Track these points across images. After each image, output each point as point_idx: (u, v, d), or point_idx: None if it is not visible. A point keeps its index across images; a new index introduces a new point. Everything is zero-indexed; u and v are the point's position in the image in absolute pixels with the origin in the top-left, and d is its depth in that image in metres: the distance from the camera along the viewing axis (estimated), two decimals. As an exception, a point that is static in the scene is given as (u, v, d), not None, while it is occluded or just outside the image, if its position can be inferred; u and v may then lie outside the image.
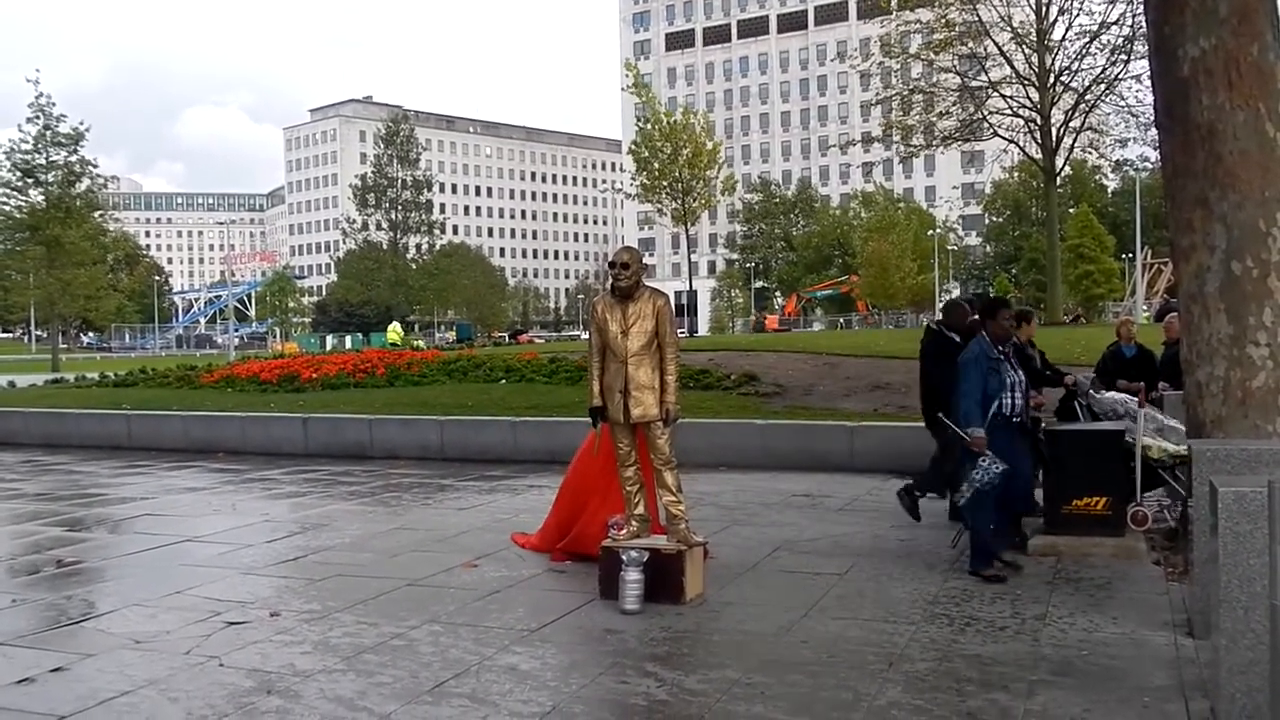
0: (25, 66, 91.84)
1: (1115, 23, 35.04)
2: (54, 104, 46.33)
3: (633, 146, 52.50)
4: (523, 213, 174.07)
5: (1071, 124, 38.26)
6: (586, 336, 9.19)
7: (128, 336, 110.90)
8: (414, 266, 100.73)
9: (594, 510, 7.75)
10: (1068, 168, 55.09)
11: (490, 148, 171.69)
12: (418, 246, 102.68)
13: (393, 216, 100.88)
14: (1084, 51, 37.06)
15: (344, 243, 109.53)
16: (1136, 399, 9.69)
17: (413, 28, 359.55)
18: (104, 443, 16.61)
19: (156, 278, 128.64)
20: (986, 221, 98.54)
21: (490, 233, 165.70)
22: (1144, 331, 12.58)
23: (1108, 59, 36.32)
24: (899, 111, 42.66)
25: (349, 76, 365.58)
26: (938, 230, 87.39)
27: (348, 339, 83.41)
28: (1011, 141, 40.14)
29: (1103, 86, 37.15)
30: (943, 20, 37.98)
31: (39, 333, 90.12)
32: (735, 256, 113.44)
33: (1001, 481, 7.04)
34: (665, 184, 49.57)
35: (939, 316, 10.20)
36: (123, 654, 5.77)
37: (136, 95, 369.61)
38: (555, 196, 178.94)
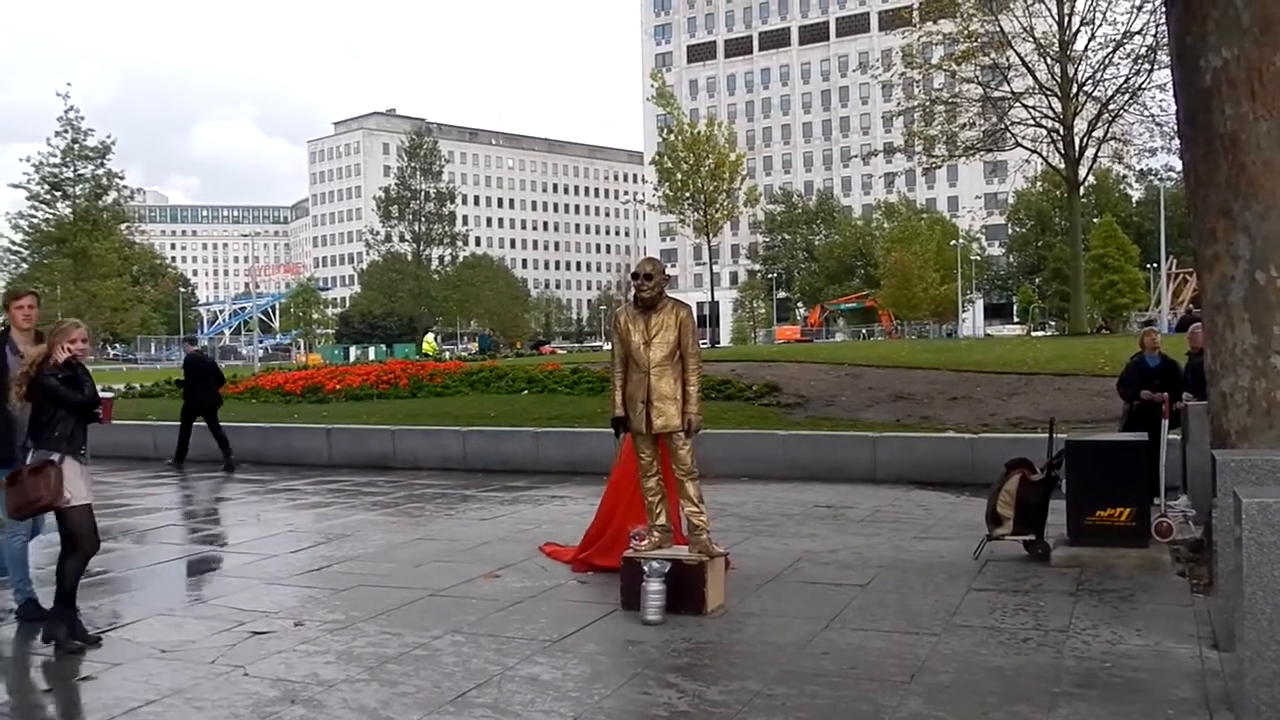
0: (36, 81, 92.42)
1: (1139, 32, 35.03)
2: (82, 117, 46.70)
3: (655, 158, 52.60)
4: (545, 224, 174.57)
5: (1094, 134, 38.18)
6: (609, 347, 9.20)
7: (153, 348, 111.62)
8: (437, 278, 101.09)
9: (619, 522, 7.77)
10: (1091, 177, 54.87)
11: (513, 159, 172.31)
12: (440, 258, 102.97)
13: (416, 228, 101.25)
14: (1107, 61, 37.05)
15: (367, 254, 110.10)
16: (1161, 409, 9.65)
17: (433, 41, 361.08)
18: (130, 453, 16.72)
19: (182, 289, 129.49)
20: (1009, 231, 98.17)
21: (513, 244, 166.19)
22: (1167, 342, 12.49)
23: (1131, 68, 36.28)
24: (921, 122, 42.68)
25: (359, 88, 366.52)
26: (960, 240, 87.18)
27: (371, 350, 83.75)
28: (1034, 151, 40.08)
29: (1126, 96, 37.09)
30: (965, 31, 38.01)
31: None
32: (757, 267, 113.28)
33: None
34: (688, 195, 49.62)
35: None
36: (148, 663, 5.82)
37: (146, 109, 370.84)
38: (577, 208, 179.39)
